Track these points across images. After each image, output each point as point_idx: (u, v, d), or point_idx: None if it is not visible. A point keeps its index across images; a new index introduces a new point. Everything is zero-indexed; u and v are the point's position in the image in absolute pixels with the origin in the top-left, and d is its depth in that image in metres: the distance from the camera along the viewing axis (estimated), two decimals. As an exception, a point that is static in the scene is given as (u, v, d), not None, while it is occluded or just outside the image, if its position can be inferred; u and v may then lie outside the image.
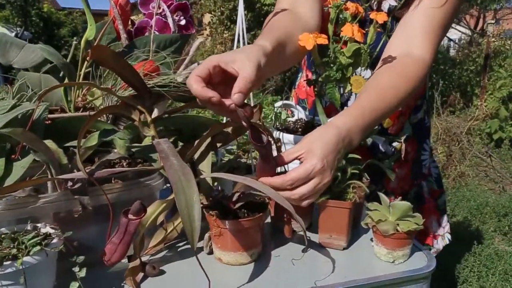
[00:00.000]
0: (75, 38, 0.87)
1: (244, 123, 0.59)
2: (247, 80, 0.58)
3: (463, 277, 2.06)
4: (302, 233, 0.61)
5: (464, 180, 3.46)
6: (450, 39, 7.54)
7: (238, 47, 0.87)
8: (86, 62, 0.81)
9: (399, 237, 0.67)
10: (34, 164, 0.66)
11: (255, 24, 6.35)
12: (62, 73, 0.86)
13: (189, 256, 0.72)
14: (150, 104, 0.67)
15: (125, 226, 0.60)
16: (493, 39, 5.57)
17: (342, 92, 0.83)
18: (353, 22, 0.76)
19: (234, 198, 0.70)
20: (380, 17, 0.75)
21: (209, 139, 0.73)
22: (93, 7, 0.91)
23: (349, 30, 0.74)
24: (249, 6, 6.26)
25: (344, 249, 0.73)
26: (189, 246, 0.75)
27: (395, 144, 1.01)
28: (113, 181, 0.70)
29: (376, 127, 0.86)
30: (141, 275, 0.65)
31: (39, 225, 0.60)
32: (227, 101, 0.59)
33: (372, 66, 0.91)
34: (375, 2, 0.93)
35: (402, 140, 0.89)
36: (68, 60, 0.85)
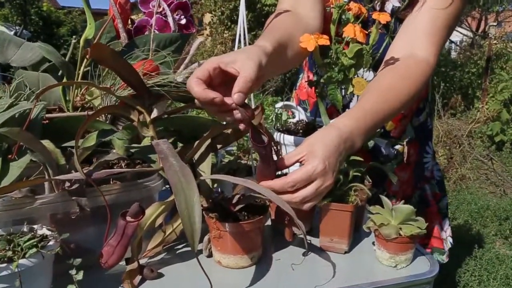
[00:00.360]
0: (74, 37, 0.86)
1: (244, 124, 0.58)
2: (247, 79, 0.58)
3: (464, 282, 2.04)
4: (303, 236, 0.60)
5: (465, 183, 3.45)
6: (451, 41, 7.52)
7: (239, 47, 0.86)
8: (85, 61, 0.80)
9: (402, 241, 0.66)
10: (31, 164, 0.65)
11: (256, 24, 6.35)
12: (60, 72, 0.85)
13: (188, 258, 0.71)
14: (149, 104, 0.66)
15: (122, 229, 0.59)
16: (495, 42, 5.56)
17: (344, 93, 0.82)
18: (356, 23, 0.75)
19: (234, 201, 0.69)
20: (383, 18, 0.74)
21: (209, 140, 0.72)
22: (93, 6, 0.91)
23: (351, 31, 0.73)
24: (250, 6, 6.26)
25: (345, 253, 0.72)
26: (188, 248, 0.74)
27: (397, 147, 1.00)
28: (111, 182, 0.69)
29: (379, 129, 0.85)
30: (139, 278, 0.64)
31: (35, 226, 0.59)
32: (228, 100, 0.58)
33: (374, 67, 0.90)
34: (378, 3, 0.92)
35: (405, 143, 0.88)
36: (67, 59, 0.85)
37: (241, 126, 0.59)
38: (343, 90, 0.82)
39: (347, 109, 0.76)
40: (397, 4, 0.89)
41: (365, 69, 0.79)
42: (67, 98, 0.80)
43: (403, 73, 0.78)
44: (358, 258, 0.71)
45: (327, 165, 0.61)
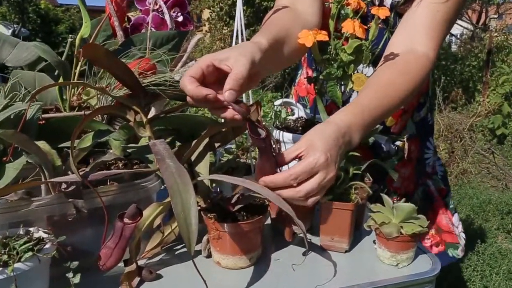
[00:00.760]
0: (70, 36, 0.85)
1: (239, 118, 0.57)
2: (238, 77, 0.57)
3: (466, 277, 2.04)
4: (303, 235, 0.59)
5: (466, 177, 3.44)
6: (452, 34, 7.47)
7: (236, 43, 0.85)
8: (81, 60, 0.79)
9: (403, 240, 0.65)
10: (27, 166, 0.64)
11: (255, 20, 6.31)
12: (57, 71, 0.84)
13: (187, 259, 0.70)
14: (146, 104, 0.66)
15: (120, 231, 0.58)
16: (495, 34, 5.52)
17: (343, 90, 0.81)
18: (355, 18, 0.73)
19: (233, 201, 0.68)
20: (382, 13, 0.72)
21: (207, 139, 0.71)
22: (89, 3, 0.89)
23: (350, 26, 0.71)
24: (248, 1, 6.23)
25: (346, 251, 0.71)
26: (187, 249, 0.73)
27: (398, 143, 0.99)
28: (108, 183, 0.68)
29: (379, 126, 0.84)
30: (137, 279, 0.63)
31: (31, 229, 0.58)
32: (221, 97, 0.57)
33: (374, 63, 0.89)
34: (378, -3, 0.90)
35: (405, 139, 0.87)
36: (64, 58, 0.83)
37: (237, 117, 0.58)
38: (342, 87, 0.81)
39: (346, 106, 0.75)
40: (397, -1, 0.88)
41: (365, 65, 0.78)
42: (64, 98, 0.79)
43: (402, 68, 0.77)
44: (359, 257, 0.71)
45: (329, 157, 0.60)
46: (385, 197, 0.71)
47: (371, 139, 0.87)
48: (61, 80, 0.80)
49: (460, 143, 3.78)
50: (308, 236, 0.76)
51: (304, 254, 0.70)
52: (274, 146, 0.63)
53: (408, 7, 0.85)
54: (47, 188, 0.65)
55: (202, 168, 0.70)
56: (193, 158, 0.71)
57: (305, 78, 1.10)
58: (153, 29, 0.89)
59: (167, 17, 0.90)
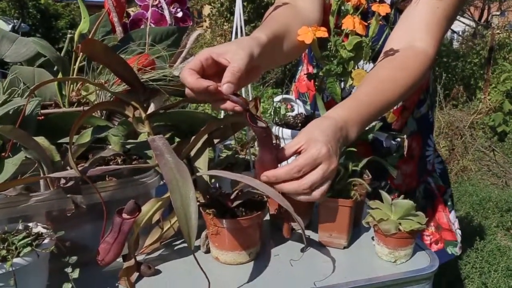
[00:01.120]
0: (70, 31, 0.84)
1: (239, 109, 0.57)
2: (236, 70, 0.57)
3: (465, 273, 2.04)
4: (301, 232, 0.59)
5: (466, 175, 3.44)
6: (453, 31, 7.45)
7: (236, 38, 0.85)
8: (80, 56, 0.79)
9: (401, 237, 0.65)
10: (26, 161, 0.64)
11: (255, 16, 6.29)
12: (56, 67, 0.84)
13: (186, 254, 0.70)
14: (145, 100, 0.66)
15: (119, 226, 0.58)
16: (497, 31, 5.50)
17: (343, 86, 0.81)
18: (355, 14, 0.73)
19: (232, 196, 0.68)
20: (383, 9, 0.72)
21: (206, 135, 0.71)
22: (89, -2, 0.89)
23: (350, 23, 0.71)
24: (249, -3, 6.20)
25: (344, 248, 0.71)
26: (186, 244, 0.73)
27: (398, 139, 0.99)
28: (107, 179, 0.68)
29: (377, 122, 0.84)
30: (136, 275, 0.64)
31: (30, 224, 0.59)
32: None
33: (374, 60, 0.89)
34: (378, -6, 0.90)
35: (405, 136, 0.87)
36: (63, 53, 0.83)
37: (237, 108, 0.58)
38: (342, 83, 0.81)
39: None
40: (397, -5, 0.88)
41: (365, 61, 0.78)
42: (63, 93, 0.79)
43: (400, 64, 0.77)
44: (357, 253, 0.71)
45: (330, 148, 0.60)
46: (383, 193, 0.71)
47: (371, 136, 0.87)
48: (60, 75, 0.80)
49: (461, 141, 3.78)
50: (307, 232, 0.76)
51: (303, 250, 0.70)
52: (274, 140, 0.63)
53: (408, 3, 0.84)
54: (46, 184, 0.65)
55: (201, 163, 0.70)
56: (192, 153, 0.71)
57: (305, 74, 1.10)
58: (152, 24, 0.89)
59: (166, 12, 0.90)
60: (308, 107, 1.06)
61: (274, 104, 0.90)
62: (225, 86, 0.56)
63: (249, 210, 0.67)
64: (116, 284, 0.62)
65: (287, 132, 0.83)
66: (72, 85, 0.79)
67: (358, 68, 0.79)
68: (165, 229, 0.72)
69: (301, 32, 0.71)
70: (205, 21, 7.51)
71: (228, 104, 0.58)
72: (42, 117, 0.71)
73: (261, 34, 0.67)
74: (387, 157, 0.96)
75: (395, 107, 0.97)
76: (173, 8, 0.92)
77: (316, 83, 0.84)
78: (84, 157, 0.69)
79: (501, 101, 4.20)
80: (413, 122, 1.03)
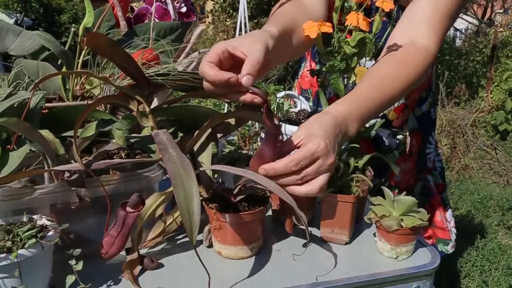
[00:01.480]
0: (73, 25, 0.85)
1: (259, 101, 0.57)
2: (255, 62, 0.57)
3: (466, 272, 2.05)
4: (304, 227, 0.60)
5: (468, 173, 3.44)
6: (456, 29, 7.42)
7: (240, 35, 0.85)
8: (84, 50, 0.79)
9: (403, 233, 0.65)
10: (30, 154, 0.64)
11: (258, 12, 6.27)
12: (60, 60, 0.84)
13: (188, 248, 0.71)
14: (149, 94, 0.66)
15: (122, 219, 0.59)
16: (501, 29, 5.48)
17: (346, 82, 0.81)
18: (358, 11, 0.73)
19: (235, 191, 0.68)
20: (386, 5, 0.72)
21: (209, 130, 0.71)
22: (92, -7, 0.89)
23: (354, 19, 0.71)
24: (252, -7, 6.18)
25: (346, 244, 0.72)
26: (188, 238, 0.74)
27: (399, 136, 0.99)
28: (111, 172, 0.68)
29: (383, 120, 0.84)
30: (139, 268, 0.64)
31: (35, 217, 0.59)
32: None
33: (376, 57, 0.89)
34: (382, -10, 0.90)
35: (407, 133, 0.87)
36: (67, 48, 0.84)
37: (257, 100, 0.58)
38: (345, 79, 0.81)
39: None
40: (401, -9, 0.87)
41: (368, 58, 0.78)
42: (67, 87, 0.79)
43: (401, 60, 0.77)
44: (359, 249, 0.71)
45: (328, 144, 0.60)
46: (386, 190, 0.71)
47: (373, 133, 0.87)
48: (64, 69, 0.80)
49: (463, 139, 3.77)
50: (309, 228, 0.76)
51: (305, 245, 0.70)
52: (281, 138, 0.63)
53: (411, 0, 0.84)
54: (50, 176, 0.65)
55: (204, 158, 0.70)
56: (195, 148, 0.71)
57: (308, 70, 1.10)
58: (156, 19, 0.89)
59: (170, 7, 0.90)
60: (311, 104, 1.06)
61: (277, 100, 0.90)
62: (245, 78, 0.56)
63: (252, 205, 0.67)
64: (119, 277, 0.62)
65: (290, 128, 0.83)
66: (76, 79, 0.79)
67: (360, 65, 0.79)
68: (168, 223, 0.72)
69: (306, 27, 0.71)
70: (208, 16, 7.49)
71: (248, 96, 0.58)
72: (46, 111, 0.71)
73: (272, 27, 0.67)
74: (388, 155, 0.96)
75: (396, 105, 0.97)
76: (177, 3, 0.92)
77: (319, 80, 0.84)
78: (88, 150, 0.70)
79: (504, 100, 4.19)
80: (414, 119, 1.03)
